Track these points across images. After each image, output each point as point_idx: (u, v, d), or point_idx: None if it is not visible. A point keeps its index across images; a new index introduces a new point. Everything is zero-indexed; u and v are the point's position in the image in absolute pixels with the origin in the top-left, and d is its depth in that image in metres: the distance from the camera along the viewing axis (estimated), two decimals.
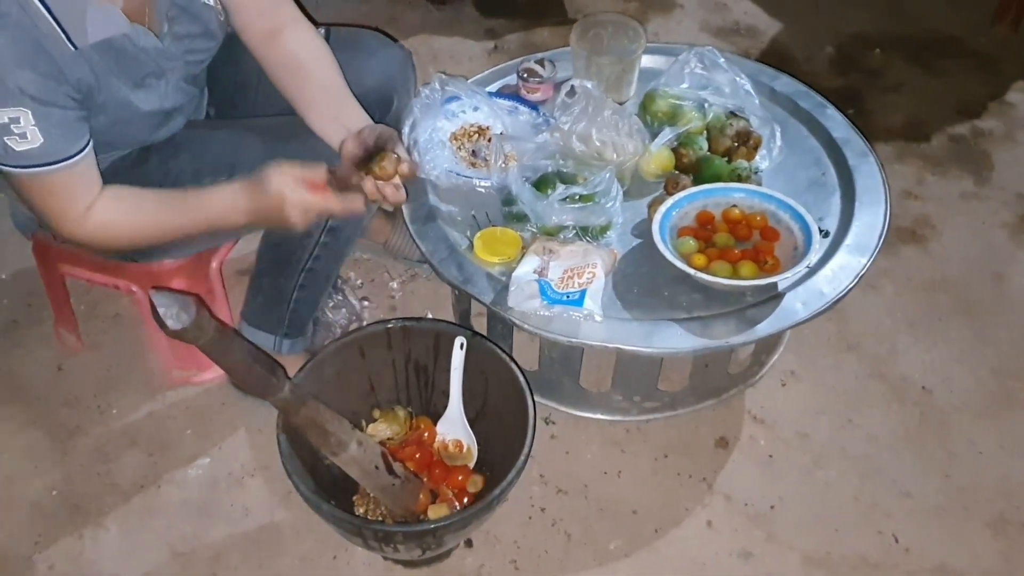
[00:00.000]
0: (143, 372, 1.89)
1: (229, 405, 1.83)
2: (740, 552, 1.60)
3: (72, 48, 1.27)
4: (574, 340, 1.49)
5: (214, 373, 1.85)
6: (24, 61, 1.21)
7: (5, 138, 1.23)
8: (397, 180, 1.35)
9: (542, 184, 1.64)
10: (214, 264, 1.73)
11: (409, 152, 1.60)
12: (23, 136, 1.23)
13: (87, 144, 1.32)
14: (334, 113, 1.47)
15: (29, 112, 1.22)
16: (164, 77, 1.43)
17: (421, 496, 1.49)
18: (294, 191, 1.32)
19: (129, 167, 1.50)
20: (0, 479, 1.72)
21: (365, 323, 1.94)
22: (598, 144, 1.70)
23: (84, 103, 1.32)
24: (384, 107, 1.62)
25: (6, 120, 1.21)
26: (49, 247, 1.71)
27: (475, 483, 1.54)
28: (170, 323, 1.07)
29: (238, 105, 1.68)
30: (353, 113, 1.47)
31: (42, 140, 1.24)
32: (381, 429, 1.59)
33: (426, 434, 1.59)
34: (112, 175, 1.47)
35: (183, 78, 1.48)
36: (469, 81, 1.90)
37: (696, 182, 1.68)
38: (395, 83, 1.66)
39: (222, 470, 1.73)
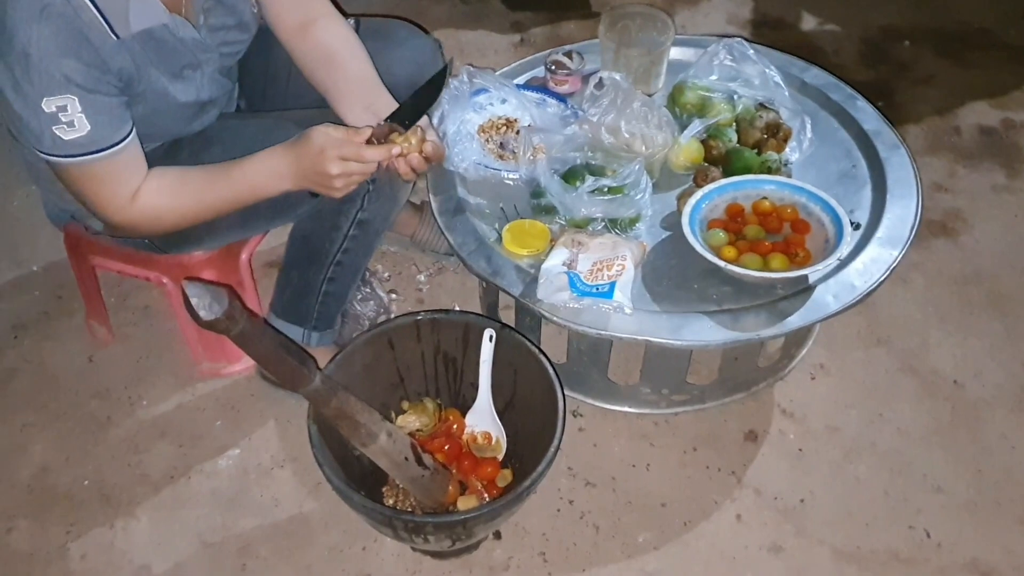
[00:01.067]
0: (173, 364, 1.91)
1: (258, 397, 1.84)
2: (770, 546, 1.59)
3: (114, 37, 1.28)
4: (603, 332, 1.49)
5: (243, 365, 1.87)
6: (68, 50, 1.22)
7: (54, 128, 1.24)
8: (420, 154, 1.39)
9: (571, 176, 1.63)
10: (243, 256, 1.74)
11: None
12: (71, 124, 1.24)
13: (132, 130, 1.34)
14: (366, 103, 1.47)
15: (76, 99, 1.23)
16: (200, 69, 1.45)
17: (450, 488, 1.49)
18: (335, 143, 1.32)
19: (160, 159, 1.51)
20: (33, 469, 1.74)
21: (393, 316, 1.95)
22: (627, 136, 1.69)
23: (125, 91, 1.33)
24: None
25: (54, 109, 1.23)
26: (80, 239, 1.72)
27: (504, 477, 1.54)
28: (203, 313, 1.07)
29: (269, 97, 1.68)
30: (385, 102, 1.47)
31: (89, 127, 1.26)
32: (410, 421, 1.60)
33: (455, 426, 1.59)
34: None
35: (217, 70, 1.49)
36: (497, 73, 1.90)
37: (725, 174, 1.67)
38: (426, 72, 1.66)
39: (252, 461, 1.74)
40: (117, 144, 1.31)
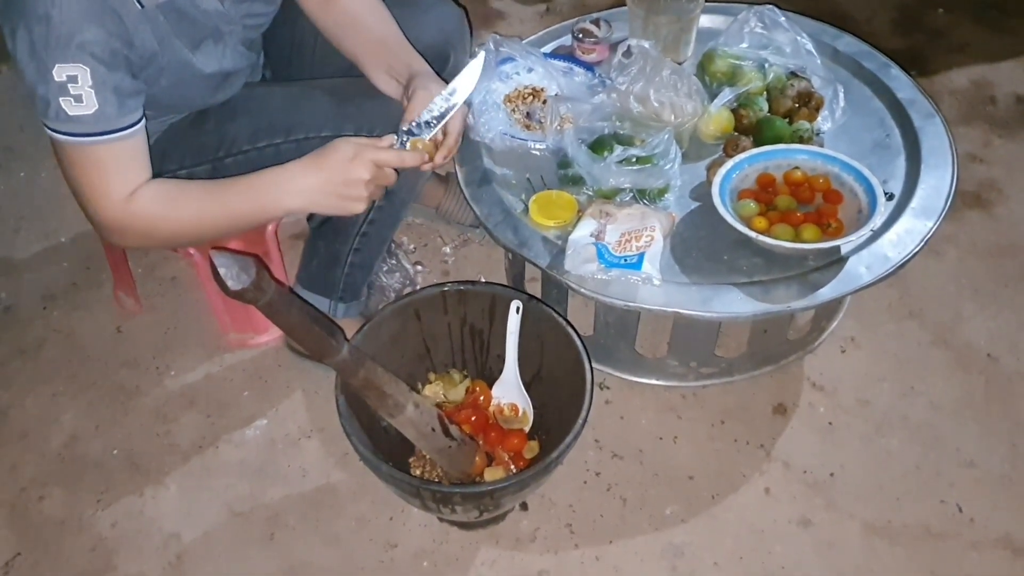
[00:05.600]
0: (200, 334, 1.91)
1: (285, 367, 1.85)
2: (799, 519, 1.58)
3: (139, 7, 1.26)
4: (632, 304, 1.47)
5: (270, 336, 1.87)
6: (92, 16, 1.19)
7: (61, 99, 1.20)
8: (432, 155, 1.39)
9: (598, 146, 1.61)
10: (269, 227, 1.73)
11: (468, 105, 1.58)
12: (78, 99, 1.20)
13: (139, 121, 1.29)
14: (394, 64, 1.47)
15: (88, 71, 1.20)
16: (223, 40, 1.43)
17: (477, 459, 1.49)
18: (367, 148, 1.30)
19: (186, 129, 1.51)
20: (63, 438, 1.76)
21: (418, 287, 1.94)
22: (656, 105, 1.66)
23: (144, 71, 1.30)
24: (441, 63, 1.60)
25: (64, 78, 1.19)
26: None
27: (531, 449, 1.54)
28: (230, 283, 1.07)
29: (294, 67, 1.67)
30: (413, 62, 1.47)
31: (96, 106, 1.22)
32: (437, 392, 1.59)
33: (482, 397, 1.59)
34: (169, 138, 1.48)
35: (241, 42, 1.48)
36: (523, 42, 1.87)
37: (756, 144, 1.65)
38: (451, 38, 1.65)
39: (279, 431, 1.75)
40: (122, 130, 1.26)
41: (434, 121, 1.38)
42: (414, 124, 1.37)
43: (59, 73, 1.19)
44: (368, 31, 1.50)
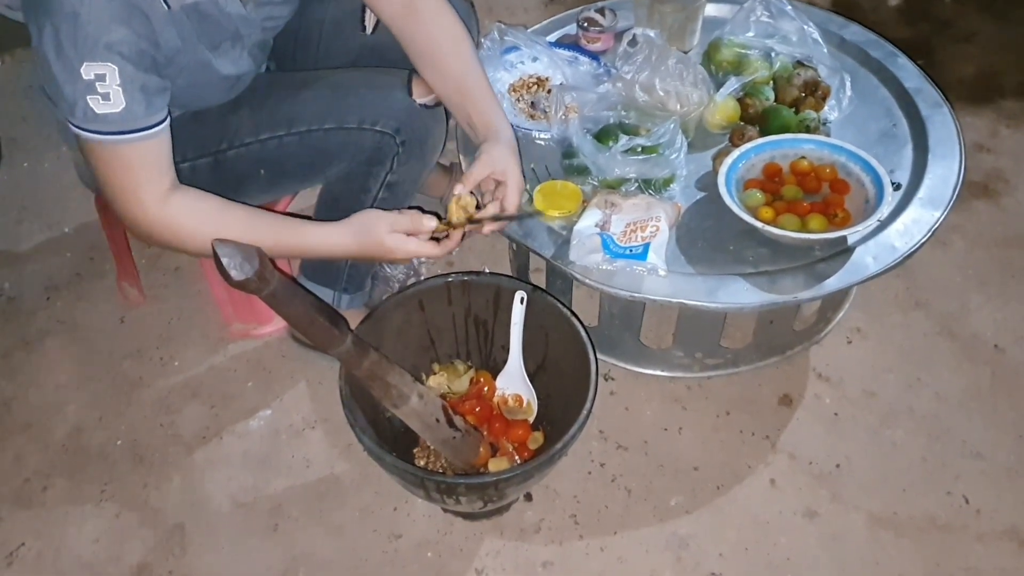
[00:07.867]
0: (204, 325, 1.91)
1: (289, 358, 1.84)
2: (804, 511, 1.57)
3: (166, 8, 1.24)
4: (637, 295, 1.46)
5: (274, 326, 1.87)
6: (119, 16, 1.17)
7: (88, 97, 1.19)
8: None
9: (604, 136, 1.60)
10: None
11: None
12: (106, 97, 1.19)
13: (165, 119, 1.28)
14: (474, 119, 1.47)
15: (116, 70, 1.18)
16: (240, 42, 1.41)
17: (481, 450, 1.49)
18: (405, 245, 1.34)
19: (188, 122, 1.49)
20: (67, 429, 1.76)
21: (422, 278, 1.93)
22: (661, 94, 1.66)
23: (166, 69, 1.29)
24: None
25: (92, 76, 1.17)
26: None
27: (536, 440, 1.54)
28: (234, 273, 1.06)
29: (299, 60, 1.66)
30: (493, 119, 1.47)
31: (124, 104, 1.20)
32: (441, 383, 1.59)
33: (486, 388, 1.58)
34: (171, 131, 1.47)
35: (257, 44, 1.47)
36: (528, 31, 1.86)
37: (762, 133, 1.64)
38: None
39: (283, 422, 1.75)
40: (149, 128, 1.24)
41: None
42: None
43: (87, 71, 1.17)
44: (447, 72, 1.47)
